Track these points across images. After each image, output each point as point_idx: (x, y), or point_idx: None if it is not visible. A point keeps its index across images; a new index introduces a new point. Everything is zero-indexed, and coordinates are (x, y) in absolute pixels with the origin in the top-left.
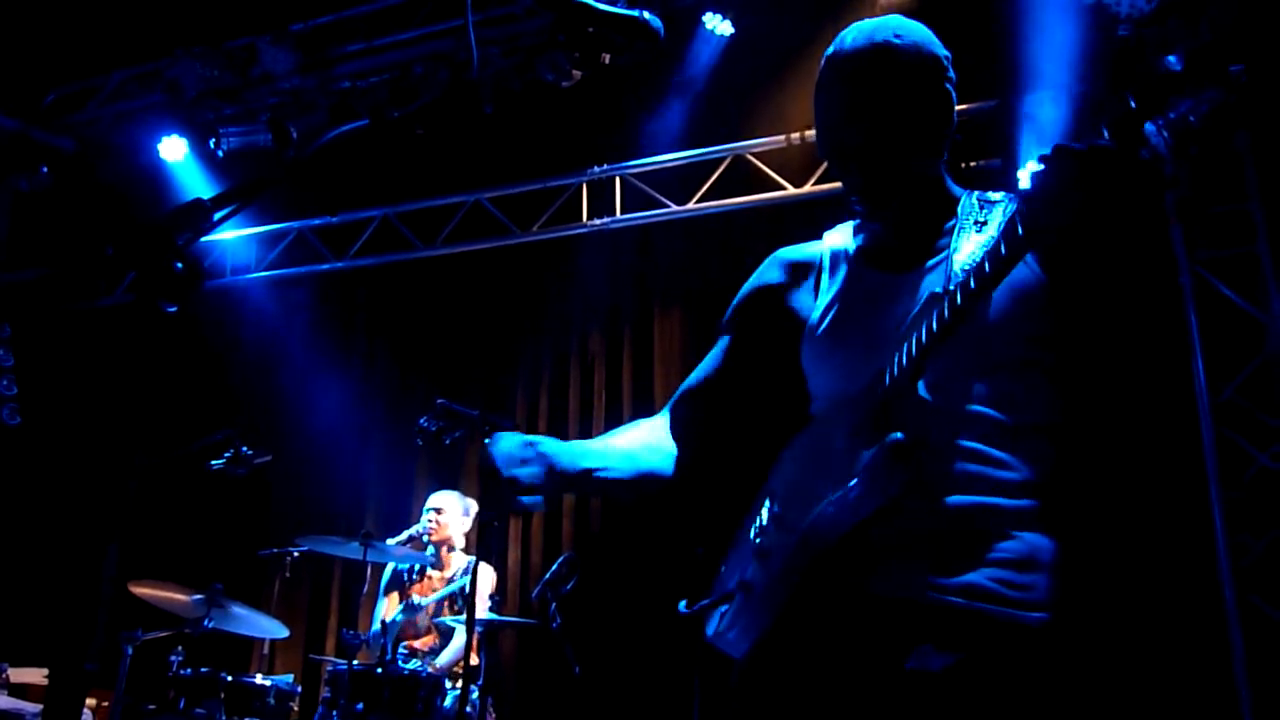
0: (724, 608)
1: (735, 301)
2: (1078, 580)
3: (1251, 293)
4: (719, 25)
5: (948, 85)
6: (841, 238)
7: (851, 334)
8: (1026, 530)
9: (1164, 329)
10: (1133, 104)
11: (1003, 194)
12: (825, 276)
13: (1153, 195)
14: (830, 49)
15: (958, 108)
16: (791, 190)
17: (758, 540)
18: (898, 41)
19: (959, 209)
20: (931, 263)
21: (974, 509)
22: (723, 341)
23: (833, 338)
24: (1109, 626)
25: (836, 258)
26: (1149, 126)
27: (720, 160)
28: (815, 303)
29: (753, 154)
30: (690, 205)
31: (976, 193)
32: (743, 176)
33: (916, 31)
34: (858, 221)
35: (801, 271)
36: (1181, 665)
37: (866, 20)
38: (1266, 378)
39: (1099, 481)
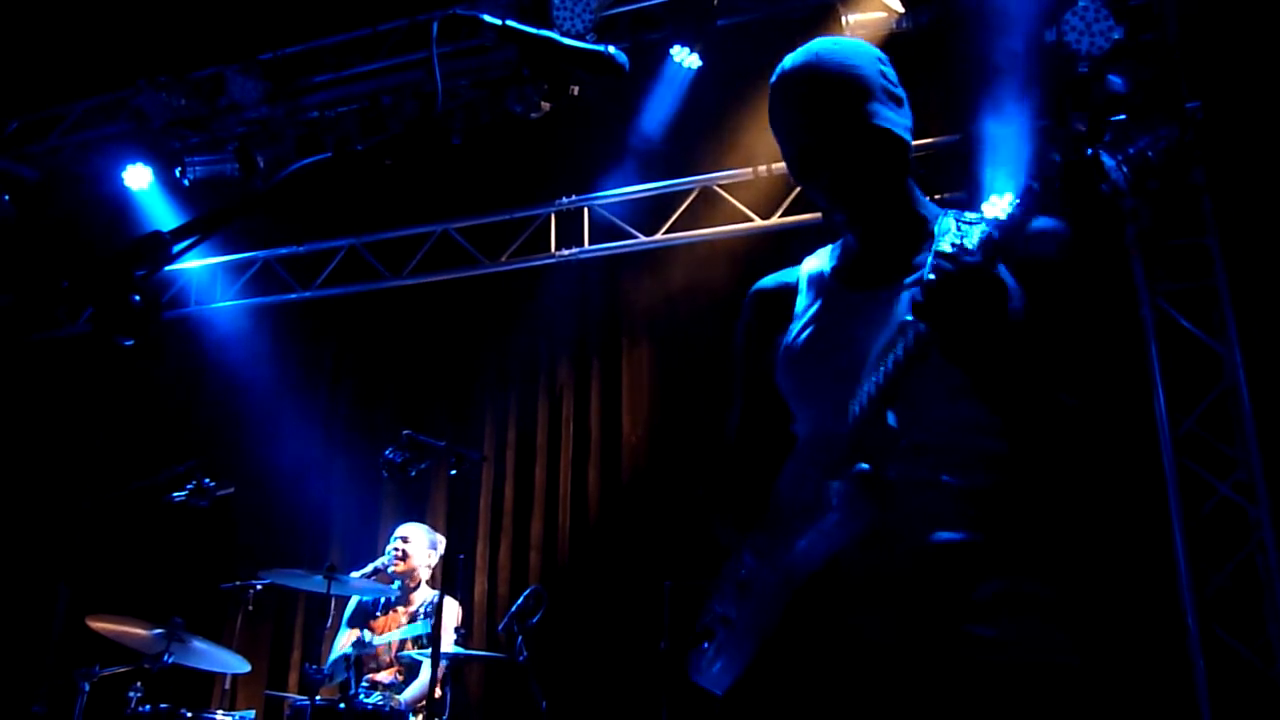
0: (706, 645)
1: (737, 359)
2: (1071, 620)
3: (1209, 325)
4: (686, 58)
5: (898, 93)
6: (818, 261)
7: (823, 356)
8: (1011, 568)
9: (1125, 361)
10: (1082, 129)
11: (980, 216)
12: (802, 298)
13: (994, 300)
14: (774, 77)
15: (924, 142)
16: (759, 221)
17: (741, 573)
18: (835, 53)
19: (936, 227)
20: (909, 280)
21: (955, 546)
22: (738, 404)
23: (804, 359)
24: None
25: (813, 280)
26: (1109, 161)
27: (688, 192)
28: (791, 325)
29: (720, 185)
30: (658, 236)
31: (954, 212)
32: (710, 208)
33: (851, 45)
34: (836, 246)
35: (780, 301)
36: (1145, 695)
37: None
38: (1225, 409)
39: (1063, 515)
